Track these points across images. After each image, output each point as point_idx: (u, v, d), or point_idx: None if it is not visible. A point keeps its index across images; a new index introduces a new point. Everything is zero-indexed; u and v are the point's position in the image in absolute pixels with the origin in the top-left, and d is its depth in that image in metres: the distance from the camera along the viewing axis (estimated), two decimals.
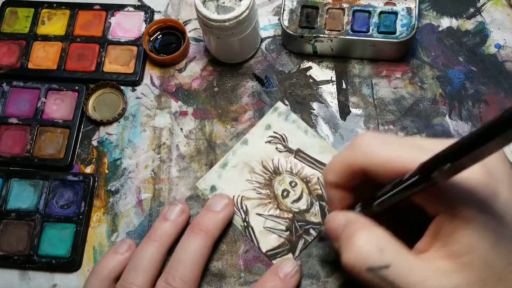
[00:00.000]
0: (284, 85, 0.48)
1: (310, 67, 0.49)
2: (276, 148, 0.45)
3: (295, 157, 0.45)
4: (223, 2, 0.46)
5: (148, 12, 0.52)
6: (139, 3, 0.53)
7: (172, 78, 0.50)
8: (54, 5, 0.53)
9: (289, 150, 0.45)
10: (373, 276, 0.27)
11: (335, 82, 0.48)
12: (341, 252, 0.29)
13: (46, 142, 0.47)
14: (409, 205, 0.31)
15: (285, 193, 0.44)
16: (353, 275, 0.29)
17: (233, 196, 0.44)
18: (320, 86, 0.48)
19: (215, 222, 0.40)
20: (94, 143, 0.48)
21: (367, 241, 0.28)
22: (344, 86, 0.48)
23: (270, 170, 0.44)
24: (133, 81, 0.49)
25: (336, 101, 0.47)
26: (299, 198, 0.43)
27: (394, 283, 0.27)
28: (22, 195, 0.45)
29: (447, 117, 0.46)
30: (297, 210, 0.43)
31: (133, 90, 0.50)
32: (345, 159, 0.31)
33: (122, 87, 0.49)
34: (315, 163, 0.44)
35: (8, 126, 0.48)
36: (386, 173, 0.29)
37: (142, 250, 0.39)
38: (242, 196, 0.44)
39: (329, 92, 0.48)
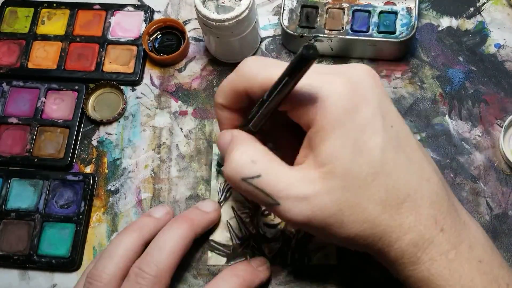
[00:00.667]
0: None
1: None
2: None
3: None
4: (223, 2, 0.46)
5: (148, 11, 0.52)
6: (139, 3, 0.53)
7: (172, 78, 0.50)
8: (54, 4, 0.53)
9: None
10: (246, 185, 0.30)
11: None
12: (225, 166, 0.31)
13: (46, 142, 0.47)
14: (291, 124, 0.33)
15: (266, 212, 0.43)
16: (232, 185, 0.31)
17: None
18: None
19: (201, 218, 0.40)
20: (94, 143, 0.48)
21: (242, 154, 0.31)
22: None
23: None
24: (133, 81, 0.49)
25: None
26: (273, 226, 0.42)
27: (263, 190, 0.29)
28: (22, 195, 0.45)
29: (447, 116, 0.46)
30: (262, 234, 0.42)
31: (133, 90, 0.50)
32: (230, 82, 0.33)
33: (122, 87, 0.49)
34: None
35: (8, 125, 0.48)
36: (264, 92, 0.31)
37: (118, 238, 0.38)
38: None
39: None
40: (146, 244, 0.38)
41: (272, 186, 0.29)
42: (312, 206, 0.29)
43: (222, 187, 0.44)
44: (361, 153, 0.29)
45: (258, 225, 0.43)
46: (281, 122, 0.35)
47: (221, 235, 0.42)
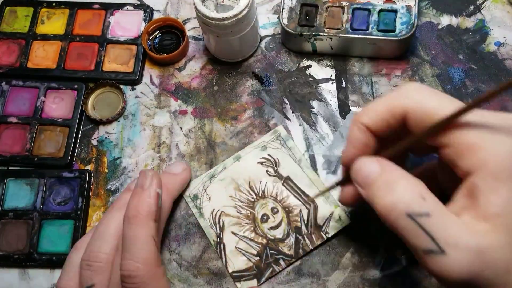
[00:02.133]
0: (284, 84, 0.48)
1: (309, 66, 0.49)
2: (267, 171, 0.44)
3: (283, 184, 0.44)
4: (222, 1, 0.46)
5: (148, 11, 0.52)
6: (138, 2, 0.53)
7: (172, 77, 0.50)
8: (54, 4, 0.53)
9: (279, 176, 0.44)
10: (410, 223, 0.27)
11: (334, 81, 0.48)
12: (377, 197, 0.29)
13: (46, 141, 0.47)
14: (439, 167, 0.31)
15: (264, 218, 0.43)
16: (388, 220, 0.28)
17: (213, 210, 0.43)
18: (319, 85, 0.48)
19: (174, 182, 0.42)
20: (94, 142, 0.48)
21: (408, 188, 0.28)
22: (343, 84, 0.48)
23: (256, 191, 0.44)
24: (133, 80, 0.49)
25: (335, 100, 0.47)
26: (277, 226, 0.43)
27: (431, 232, 0.26)
28: (19, 194, 0.45)
29: None
30: (272, 238, 0.42)
31: (133, 89, 0.50)
32: (389, 101, 0.31)
33: (121, 86, 0.49)
34: (301, 194, 0.43)
35: (8, 125, 0.48)
36: (428, 121, 0.29)
37: (106, 218, 0.39)
38: (222, 212, 0.43)
39: (329, 90, 0.48)
40: None
41: (442, 230, 0.26)
42: (483, 261, 0.25)
43: (212, 222, 0.43)
44: None
45: (264, 232, 0.42)
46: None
47: (238, 262, 0.42)
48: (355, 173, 0.32)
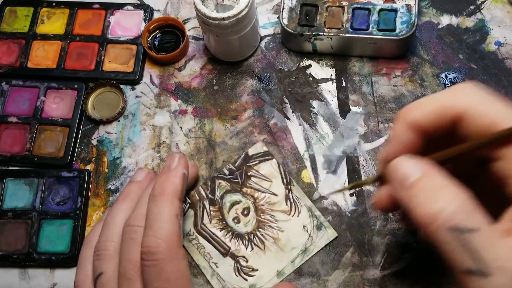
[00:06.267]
0: (284, 84, 0.48)
1: (309, 65, 0.49)
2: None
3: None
4: (222, 1, 0.46)
5: (148, 10, 0.52)
6: (138, 2, 0.53)
7: (172, 76, 0.50)
8: (54, 4, 0.53)
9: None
10: (453, 238, 0.24)
11: (335, 80, 0.48)
12: (416, 204, 0.26)
13: (46, 141, 0.47)
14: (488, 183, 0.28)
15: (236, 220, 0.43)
16: (426, 231, 0.25)
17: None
18: (320, 84, 0.48)
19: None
20: (94, 142, 0.48)
21: (455, 197, 0.25)
22: (344, 84, 0.48)
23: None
24: (133, 80, 0.49)
25: (336, 99, 0.47)
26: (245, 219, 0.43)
27: (475, 250, 0.23)
28: (18, 194, 0.45)
29: None
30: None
31: (133, 89, 0.50)
32: (443, 99, 0.28)
33: (121, 86, 0.49)
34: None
35: (8, 125, 0.48)
36: (489, 129, 0.26)
37: (113, 209, 0.39)
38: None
39: (329, 90, 0.48)
40: None
41: (489, 250, 0.23)
42: None
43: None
44: None
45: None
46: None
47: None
48: (393, 171, 0.28)
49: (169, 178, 0.37)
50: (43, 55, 0.51)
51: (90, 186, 0.46)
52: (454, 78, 0.47)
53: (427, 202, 0.25)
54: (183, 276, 0.34)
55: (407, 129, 0.29)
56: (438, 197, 0.25)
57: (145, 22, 0.51)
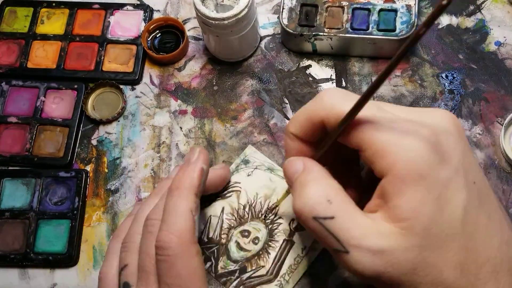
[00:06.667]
0: (284, 84, 0.48)
1: (309, 65, 0.49)
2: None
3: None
4: (222, 1, 0.46)
5: (147, 11, 0.52)
6: (138, 2, 0.53)
7: (172, 77, 0.50)
8: (53, 4, 0.53)
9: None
10: (317, 225, 0.28)
11: (334, 80, 0.48)
12: (293, 198, 0.30)
13: (46, 141, 0.47)
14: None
15: (246, 233, 0.43)
16: (301, 222, 0.30)
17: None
18: (319, 84, 0.48)
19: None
20: (94, 142, 0.48)
21: (317, 191, 0.29)
22: (343, 84, 0.48)
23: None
24: (133, 80, 0.49)
25: None
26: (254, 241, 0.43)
27: (335, 234, 0.28)
28: (15, 194, 0.45)
29: None
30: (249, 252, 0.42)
31: (133, 89, 0.50)
32: (307, 111, 0.32)
33: (121, 86, 0.49)
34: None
35: (8, 125, 0.48)
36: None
37: (144, 203, 0.39)
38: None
39: None
40: None
41: (345, 231, 0.27)
42: (386, 261, 0.27)
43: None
44: (442, 212, 0.26)
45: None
46: (340, 157, 0.34)
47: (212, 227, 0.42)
48: (284, 172, 0.33)
49: (186, 172, 0.36)
50: (43, 55, 0.51)
51: (87, 186, 0.46)
52: (454, 78, 0.47)
53: (297, 196, 0.29)
54: (195, 272, 0.34)
55: (290, 140, 0.34)
56: (304, 192, 0.29)
57: (145, 22, 0.51)
